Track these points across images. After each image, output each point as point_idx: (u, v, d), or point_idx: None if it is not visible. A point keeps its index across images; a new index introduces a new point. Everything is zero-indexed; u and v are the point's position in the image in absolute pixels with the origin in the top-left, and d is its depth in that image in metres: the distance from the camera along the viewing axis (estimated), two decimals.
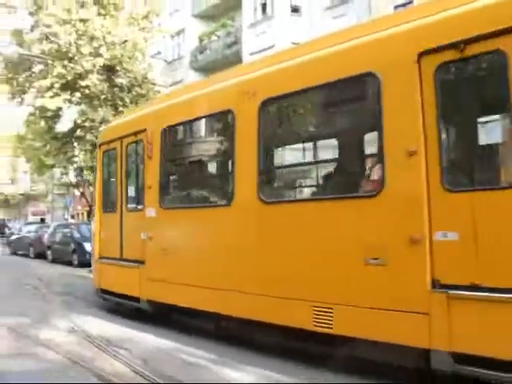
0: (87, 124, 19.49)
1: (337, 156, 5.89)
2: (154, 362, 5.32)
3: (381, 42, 4.51)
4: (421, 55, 4.15)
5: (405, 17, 4.53)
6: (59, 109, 20.34)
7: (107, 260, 8.31)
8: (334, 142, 6.01)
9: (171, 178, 7.45)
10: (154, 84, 21.42)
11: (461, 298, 3.81)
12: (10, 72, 21.87)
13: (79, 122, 19.62)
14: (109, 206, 8.45)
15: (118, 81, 20.46)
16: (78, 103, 20.42)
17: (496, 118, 4.25)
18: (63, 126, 21.42)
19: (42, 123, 22.19)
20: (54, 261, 19.46)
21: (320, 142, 6.31)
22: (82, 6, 19.85)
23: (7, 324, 7.37)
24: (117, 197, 8.09)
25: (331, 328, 4.67)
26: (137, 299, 7.31)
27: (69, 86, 19.91)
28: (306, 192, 6.22)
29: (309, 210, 5.06)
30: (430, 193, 4.05)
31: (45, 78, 19.86)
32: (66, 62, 19.62)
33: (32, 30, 20.86)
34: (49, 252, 20.20)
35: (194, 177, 7.47)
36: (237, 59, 21.15)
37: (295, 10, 21.57)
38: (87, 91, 19.78)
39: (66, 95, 19.85)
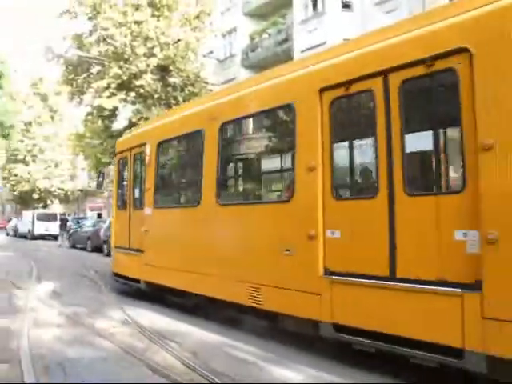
0: (142, 122, 20.08)
1: (264, 170, 7.24)
2: (203, 356, 5.41)
3: (295, 81, 5.81)
4: (321, 91, 5.33)
5: (310, 60, 5.89)
6: (115, 108, 21.07)
7: (120, 249, 9.91)
8: (265, 158, 7.34)
9: (162, 183, 8.89)
10: (206, 83, 21.82)
11: (339, 282, 5.00)
12: (70, 74, 22.85)
13: (134, 120, 20.19)
14: (121, 204, 10.13)
15: (172, 80, 20.94)
16: (133, 102, 21.05)
17: (366, 142, 5.24)
18: (119, 124, 22.16)
19: (99, 122, 23.03)
20: (110, 254, 20.08)
21: (255, 159, 7.71)
22: (137, 8, 20.46)
23: (66, 313, 7.74)
24: (127, 197, 9.82)
25: (261, 304, 5.94)
26: (138, 281, 8.85)
27: (124, 86, 20.58)
28: (246, 197, 7.30)
29: (246, 211, 6.44)
30: (324, 200, 5.24)
31: (102, 78, 20.64)
32: (121, 63, 20.28)
33: (90, 34, 21.76)
34: (105, 246, 20.90)
35: (175, 182, 9.06)
36: (288, 56, 21.10)
37: (346, 5, 21.27)
38: (142, 90, 20.39)
39: (121, 95, 20.52)
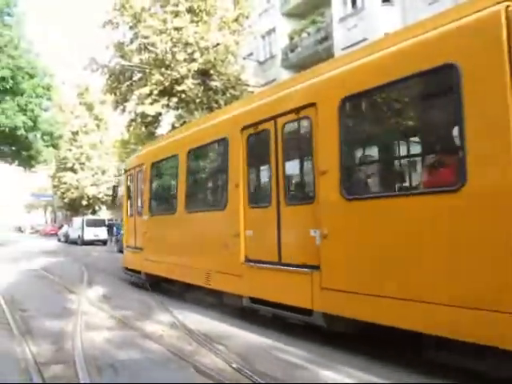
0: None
1: (210, 185, 9.30)
2: (251, 359, 5.42)
3: (228, 121, 7.85)
4: (242, 129, 7.27)
5: (236, 106, 8.40)
6: (158, 114, 21.51)
7: (128, 248, 12.26)
8: (211, 178, 9.40)
9: (154, 195, 11.09)
10: (247, 85, 21.90)
11: (252, 267, 6.92)
12: (113, 82, 23.48)
13: (177, 125, 20.53)
14: (129, 212, 12.46)
15: (213, 84, 21.16)
16: (175, 108, 21.43)
17: (265, 167, 7.03)
18: (162, 130, 22.58)
19: (143, 128, 23.54)
20: None
21: (204, 179, 9.66)
22: (176, 15, 20.82)
23: (116, 316, 7.97)
24: (132, 206, 12.24)
25: (210, 285, 7.96)
26: (139, 272, 11.15)
27: (166, 92, 20.98)
28: (199, 206, 8.99)
29: (199, 217, 8.57)
30: (244, 208, 7.16)
31: (144, 85, 21.11)
32: (163, 70, 20.69)
33: (132, 42, 22.28)
34: None
35: (160, 195, 11.24)
36: (328, 54, 20.88)
37: None
38: (183, 96, 20.72)
39: (163, 101, 20.93)
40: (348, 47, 19.80)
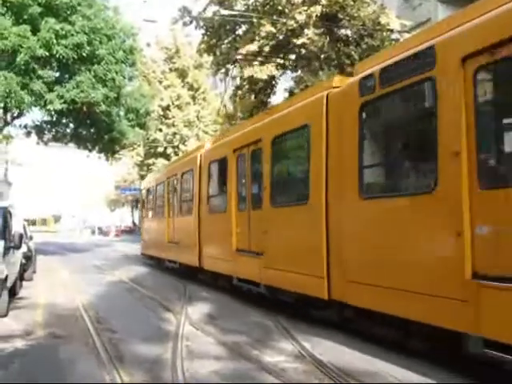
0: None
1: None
2: None
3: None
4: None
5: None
6: (271, 77, 21.71)
7: (144, 241, 25.84)
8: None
9: (152, 207, 24.34)
10: (389, 30, 21.18)
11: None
12: (211, 39, 24.20)
13: (297, 91, 20.57)
14: (144, 216, 26.76)
15: (342, 32, 20.87)
16: (293, 68, 21.49)
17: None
18: (277, 98, 22.82)
19: (252, 97, 24.03)
20: None
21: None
22: None
23: (225, 342, 8.31)
24: (145, 213, 26.67)
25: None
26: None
27: (281, 48, 21.11)
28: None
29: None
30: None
31: (252, 41, 21.41)
32: (275, 17, 20.76)
33: None
34: None
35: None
36: None
37: None
38: (303, 51, 20.66)
39: (278, 60, 21.07)
40: None
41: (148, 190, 24.95)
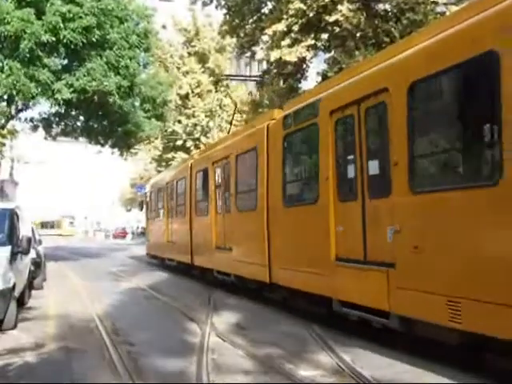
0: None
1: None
2: None
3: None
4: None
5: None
6: (301, 60, 21.60)
7: (149, 242, 30.06)
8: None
9: (155, 209, 28.43)
10: (434, 3, 20.88)
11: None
12: (234, 19, 24.19)
13: (330, 74, 20.37)
14: (149, 217, 30.34)
15: (380, 7, 20.69)
16: (326, 48, 21.36)
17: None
18: (308, 84, 22.69)
19: (281, 82, 23.95)
20: None
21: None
22: None
23: (255, 354, 8.32)
24: (150, 214, 30.00)
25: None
26: (147, 254, 26.05)
27: (311, 27, 20.99)
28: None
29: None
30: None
31: (279, 20, 21.32)
32: None
33: None
34: None
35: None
36: None
37: None
38: (337, 29, 20.50)
39: (308, 40, 20.97)
40: None
41: (151, 194, 29.50)
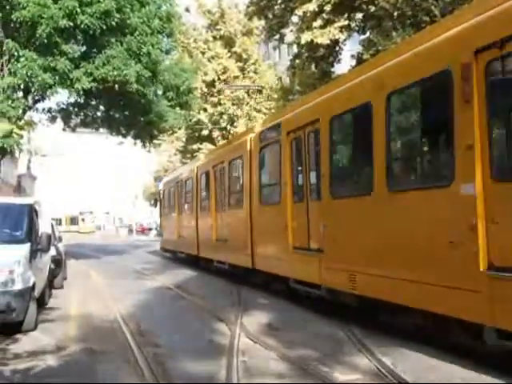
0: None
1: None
2: None
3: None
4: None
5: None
6: (334, 42, 21.48)
7: (163, 237, 35.05)
8: None
9: (168, 206, 33.44)
10: None
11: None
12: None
13: (366, 57, 20.21)
14: (162, 214, 36.09)
15: None
16: (361, 29, 21.22)
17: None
18: (341, 67, 22.56)
19: (312, 67, 23.85)
20: None
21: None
22: None
23: (289, 357, 8.31)
24: (163, 211, 35.64)
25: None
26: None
27: (345, 7, 20.85)
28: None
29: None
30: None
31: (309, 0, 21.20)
32: None
33: None
34: None
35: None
36: None
37: None
38: (373, 9, 20.33)
39: (341, 21, 20.84)
40: None
41: (164, 192, 34.47)
